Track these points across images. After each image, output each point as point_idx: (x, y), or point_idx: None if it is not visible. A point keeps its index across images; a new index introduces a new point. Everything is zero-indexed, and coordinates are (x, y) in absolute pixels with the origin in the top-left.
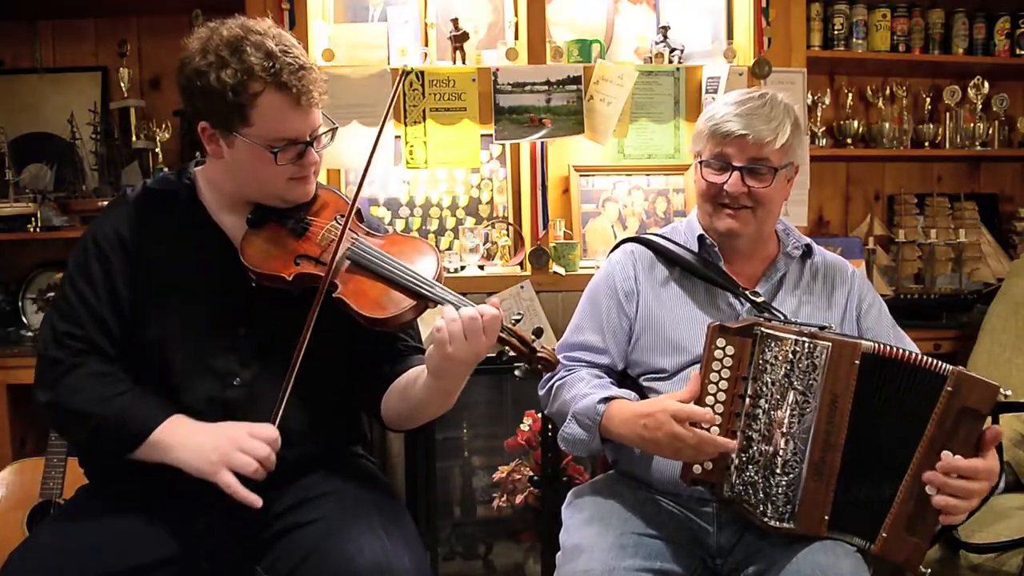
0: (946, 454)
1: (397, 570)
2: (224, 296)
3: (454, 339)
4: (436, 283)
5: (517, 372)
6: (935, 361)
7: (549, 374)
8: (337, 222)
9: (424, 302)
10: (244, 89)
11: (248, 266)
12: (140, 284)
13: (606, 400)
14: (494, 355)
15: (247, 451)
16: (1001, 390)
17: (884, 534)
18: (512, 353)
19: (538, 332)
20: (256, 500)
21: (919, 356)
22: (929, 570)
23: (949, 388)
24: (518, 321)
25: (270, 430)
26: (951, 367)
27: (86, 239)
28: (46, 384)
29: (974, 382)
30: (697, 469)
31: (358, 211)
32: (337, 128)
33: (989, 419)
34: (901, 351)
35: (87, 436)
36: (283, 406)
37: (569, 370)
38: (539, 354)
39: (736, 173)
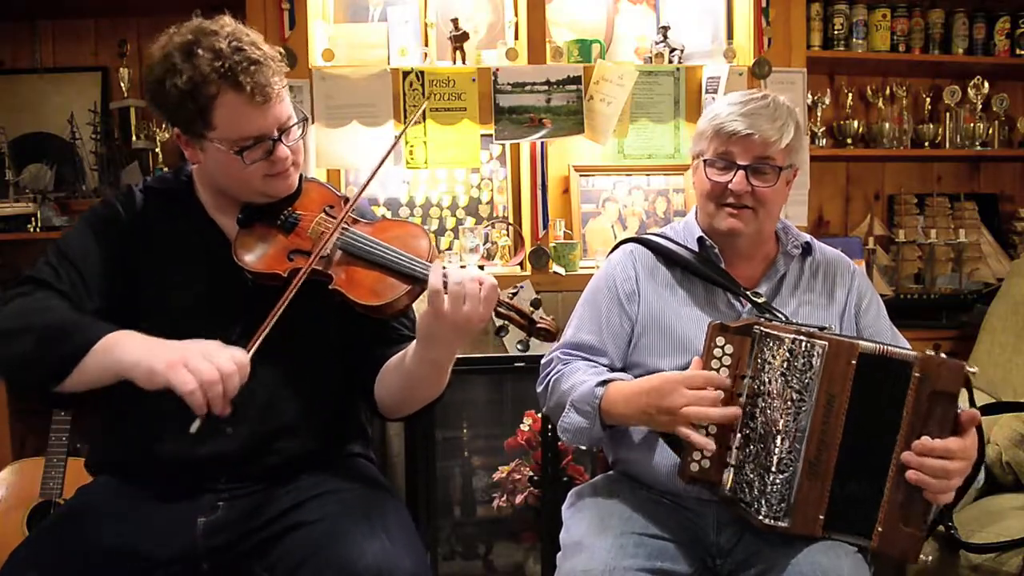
0: (924, 438)
1: (397, 571)
2: (220, 294)
3: (452, 297)
4: (429, 264)
5: (519, 345)
6: (902, 350)
7: (546, 372)
8: (326, 213)
9: (419, 285)
10: (200, 93)
11: (242, 266)
12: (137, 276)
13: (604, 384)
14: (494, 330)
15: (213, 360)
16: (967, 368)
17: (879, 528)
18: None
19: (536, 303)
20: (220, 405)
21: (890, 348)
22: (930, 557)
23: (917, 374)
24: (515, 294)
25: (242, 353)
26: (916, 353)
27: (84, 217)
28: None
29: (940, 364)
30: (695, 467)
31: (347, 200)
32: (307, 118)
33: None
34: (893, 349)
35: (31, 346)
36: (259, 341)
37: (566, 363)
38: (539, 325)
39: (741, 172)
